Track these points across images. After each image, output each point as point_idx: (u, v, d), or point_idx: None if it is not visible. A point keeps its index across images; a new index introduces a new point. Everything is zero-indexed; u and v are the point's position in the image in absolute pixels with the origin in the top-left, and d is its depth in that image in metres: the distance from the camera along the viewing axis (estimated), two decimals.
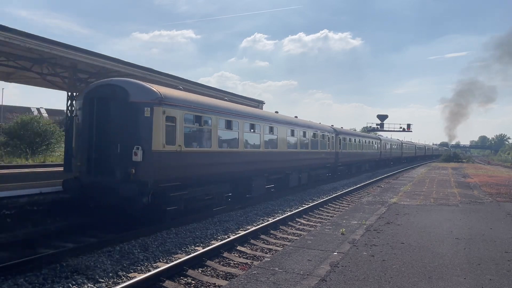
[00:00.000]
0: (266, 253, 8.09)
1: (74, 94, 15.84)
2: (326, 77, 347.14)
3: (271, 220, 10.79)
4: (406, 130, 73.39)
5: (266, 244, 8.81)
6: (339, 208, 13.94)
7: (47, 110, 55.15)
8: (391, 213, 10.21)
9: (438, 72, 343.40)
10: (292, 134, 17.43)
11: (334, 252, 6.41)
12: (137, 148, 8.91)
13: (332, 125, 25.24)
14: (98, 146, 9.40)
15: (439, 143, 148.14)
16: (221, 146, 11.94)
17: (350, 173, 27.96)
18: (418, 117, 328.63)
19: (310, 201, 15.23)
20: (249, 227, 10.29)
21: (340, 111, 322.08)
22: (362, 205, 12.01)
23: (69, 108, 15.83)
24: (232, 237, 8.66)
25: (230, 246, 8.14)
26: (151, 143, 9.05)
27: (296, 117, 19.62)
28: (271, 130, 15.30)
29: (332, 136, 23.48)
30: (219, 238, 9.07)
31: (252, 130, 13.89)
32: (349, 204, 14.60)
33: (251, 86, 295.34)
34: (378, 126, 74.16)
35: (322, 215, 12.67)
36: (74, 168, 10.01)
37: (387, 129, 73.80)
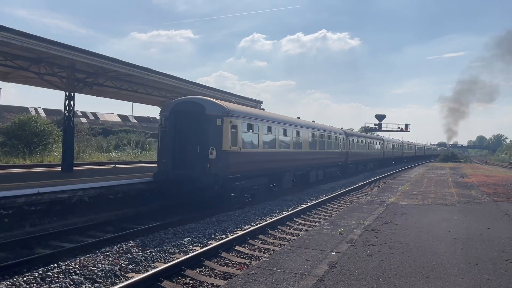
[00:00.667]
0: (264, 253, 8.08)
1: (72, 94, 15.81)
2: (325, 77, 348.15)
3: (269, 220, 10.79)
4: (404, 130, 73.54)
5: (264, 244, 8.81)
6: (337, 208, 13.95)
7: (45, 110, 55.06)
8: (389, 213, 10.23)
9: (436, 72, 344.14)
10: (313, 136, 20.20)
11: (332, 252, 6.41)
12: (212, 149, 11.97)
13: (342, 128, 28.08)
14: (181, 147, 12.61)
15: (437, 143, 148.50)
16: (264, 147, 14.78)
17: (357, 171, 30.42)
18: (416, 117, 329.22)
19: (308, 201, 15.23)
20: (247, 227, 10.28)
21: (338, 111, 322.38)
22: (360, 205, 12.02)
23: (67, 107, 15.79)
24: (230, 237, 8.65)
25: (228, 246, 8.14)
26: (222, 145, 12.00)
27: (313, 121, 22.25)
28: (297, 133, 18.03)
29: (343, 138, 26.05)
30: (217, 238, 9.06)
31: (284, 134, 16.57)
32: (347, 204, 14.61)
33: (250, 86, 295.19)
34: (376, 126, 74.27)
35: (320, 215, 12.67)
36: (160, 164, 12.96)
37: (385, 129, 73.94)
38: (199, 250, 7.54)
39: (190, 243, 8.46)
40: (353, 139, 28.51)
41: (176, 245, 8.19)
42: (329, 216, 11.85)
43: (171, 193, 12.41)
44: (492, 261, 5.91)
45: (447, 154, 62.53)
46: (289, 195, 16.33)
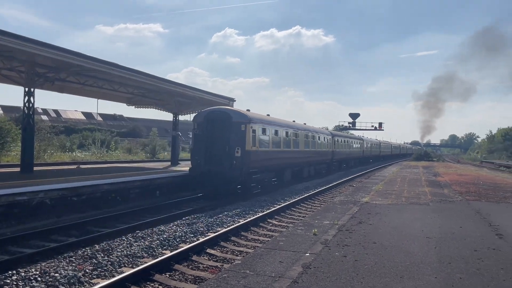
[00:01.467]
0: (237, 255, 8.08)
1: (32, 89, 15.29)
2: (299, 75, 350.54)
3: (242, 222, 10.78)
4: (377, 128, 75.16)
5: (236, 246, 8.80)
6: (311, 208, 14.09)
7: (3, 107, 53.15)
8: (363, 212, 10.41)
9: (409, 70, 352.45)
10: (306, 138, 23.48)
11: (306, 253, 6.47)
12: (238, 149, 15.22)
13: (327, 128, 36.01)
14: (211, 148, 15.68)
15: (410, 141, 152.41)
16: (273, 147, 18.16)
17: (341, 168, 34.25)
18: (390, 116, 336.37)
19: (282, 201, 15.31)
20: (219, 229, 10.23)
21: (312, 109, 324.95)
22: (334, 204, 12.18)
23: (26, 104, 15.26)
24: (201, 240, 8.60)
25: (199, 249, 8.08)
26: (245, 146, 15.37)
27: (304, 123, 25.22)
28: (296, 135, 21.44)
29: (330, 138, 29.68)
30: (188, 241, 8.99)
31: (286, 136, 20.04)
32: (321, 204, 14.78)
33: (222, 82, 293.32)
34: (350, 125, 75.49)
35: (294, 215, 12.77)
36: (193, 161, 16.09)
37: (359, 127, 75.26)
38: (168, 254, 7.46)
39: (159, 247, 8.35)
40: (337, 139, 32.08)
41: (145, 249, 8.06)
42: (303, 217, 11.96)
43: (204, 184, 15.62)
44: (464, 260, 6.11)
45: (420, 153, 64.30)
46: (264, 196, 16.38)
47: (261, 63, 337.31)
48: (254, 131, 16.16)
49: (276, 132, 18.70)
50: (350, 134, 57.71)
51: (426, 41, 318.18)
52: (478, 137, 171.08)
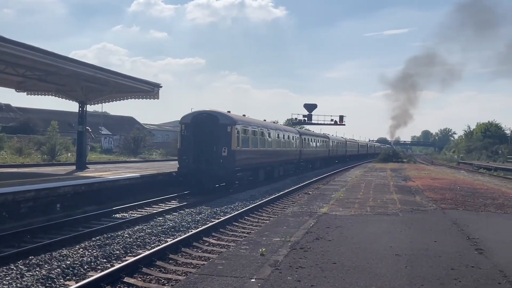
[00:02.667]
0: (164, 284, 7.98)
1: None
2: (243, 56, 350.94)
3: (170, 241, 10.67)
4: (338, 123, 76.98)
5: (163, 273, 8.69)
6: (257, 222, 14.21)
7: None
8: (321, 226, 10.64)
9: (375, 52, 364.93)
10: (277, 137, 29.38)
11: (252, 278, 6.50)
12: (225, 148, 20.27)
13: (300, 127, 41.61)
14: (199, 148, 20.38)
15: (376, 139, 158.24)
16: (252, 147, 23.88)
17: (307, 168, 39.89)
18: (353, 107, 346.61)
19: (222, 214, 15.33)
20: (140, 251, 10.06)
21: (260, 98, 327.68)
22: (286, 217, 12.36)
23: None
24: (116, 266, 8.43)
25: (114, 278, 7.90)
26: (231, 145, 20.52)
27: (276, 122, 33.77)
28: (269, 134, 27.31)
29: (297, 137, 35.44)
30: (100, 267, 8.76)
31: (262, 135, 25.77)
32: (270, 217, 14.95)
33: (144, 63, 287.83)
34: (306, 118, 76.85)
35: (236, 231, 12.82)
36: (181, 160, 20.94)
37: (315, 121, 76.81)
38: (72, 286, 7.24)
39: (60, 276, 8.07)
40: (305, 138, 37.99)
41: (41, 280, 7.77)
42: (247, 233, 12.02)
43: (192, 181, 20.17)
44: (439, 281, 6.41)
45: (388, 152, 66.83)
46: (196, 207, 16.30)
47: (195, 40, 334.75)
48: (238, 131, 21.38)
49: (254, 132, 24.28)
50: (306, 129, 59.34)
51: (395, 17, 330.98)
52: (454, 133, 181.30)
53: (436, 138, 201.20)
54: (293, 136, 33.87)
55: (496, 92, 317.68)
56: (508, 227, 11.22)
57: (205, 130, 20.68)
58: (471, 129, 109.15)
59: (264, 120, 28.56)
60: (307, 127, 72.69)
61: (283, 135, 30.88)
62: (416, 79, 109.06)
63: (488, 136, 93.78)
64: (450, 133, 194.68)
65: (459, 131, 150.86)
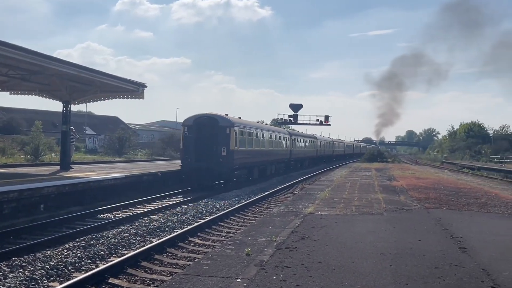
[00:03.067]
0: (149, 285, 7.95)
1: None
2: (228, 56, 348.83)
3: (155, 241, 10.64)
4: (323, 123, 77.31)
5: (149, 273, 8.66)
6: (243, 222, 14.22)
7: None
8: (306, 226, 10.67)
9: (360, 52, 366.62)
10: (270, 137, 31.60)
11: (238, 278, 6.50)
12: (224, 148, 22.17)
13: (285, 127, 44.22)
14: (200, 147, 22.30)
15: (361, 138, 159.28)
16: (248, 147, 25.87)
17: (297, 167, 42.26)
18: (338, 107, 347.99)
19: (207, 214, 15.32)
20: (125, 252, 10.01)
21: (245, 98, 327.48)
22: (272, 217, 12.38)
23: None
24: (101, 267, 8.38)
25: (99, 279, 7.85)
26: (230, 146, 22.39)
27: (262, 122, 37.64)
28: (262, 135, 29.50)
29: (288, 137, 37.63)
30: (84, 268, 8.69)
31: (256, 136, 27.86)
32: (256, 217, 14.96)
33: (129, 63, 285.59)
34: (291, 118, 77.04)
35: (222, 231, 12.81)
36: (184, 159, 22.94)
37: (301, 121, 77.05)
38: (58, 287, 7.18)
39: (44, 278, 8.00)
40: (294, 138, 40.46)
41: (24, 282, 7.69)
42: (233, 233, 12.02)
43: (194, 178, 22.22)
44: (423, 280, 6.47)
45: (373, 152, 67.27)
46: (183, 206, 16.26)
47: (181, 40, 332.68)
48: (236, 133, 23.33)
49: (249, 134, 26.44)
50: (292, 129, 59.88)
51: (380, 18, 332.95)
52: (438, 133, 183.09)
53: (420, 138, 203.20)
54: (284, 137, 36.03)
55: (479, 93, 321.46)
56: (490, 226, 11.36)
57: (206, 131, 22.79)
58: (455, 129, 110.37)
59: (258, 122, 31.50)
60: (293, 127, 72.92)
61: (275, 136, 33.15)
62: (402, 79, 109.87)
63: (471, 136, 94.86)
64: (434, 133, 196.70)
65: (443, 131, 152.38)
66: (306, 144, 46.86)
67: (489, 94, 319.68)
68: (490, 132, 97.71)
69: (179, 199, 18.84)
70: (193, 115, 23.70)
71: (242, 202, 17.84)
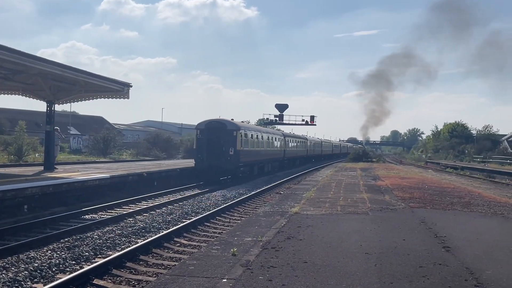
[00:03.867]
0: (134, 286, 7.91)
1: None
2: (214, 56, 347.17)
3: (140, 242, 10.59)
4: (309, 123, 77.67)
5: (134, 274, 8.61)
6: (229, 222, 14.21)
7: None
8: (292, 225, 10.70)
9: (346, 53, 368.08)
10: (268, 139, 35.64)
11: (223, 278, 6.49)
12: (232, 148, 26.16)
13: (272, 128, 49.74)
14: (211, 148, 26.18)
15: (347, 138, 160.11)
16: (250, 147, 29.73)
17: (290, 165, 46.22)
18: (324, 108, 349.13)
19: (193, 214, 15.28)
20: (110, 252, 9.95)
21: (231, 98, 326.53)
22: (258, 217, 12.39)
23: None
24: (86, 268, 8.32)
25: (83, 280, 7.80)
26: (236, 146, 26.38)
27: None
28: (262, 137, 33.53)
29: (282, 138, 41.72)
30: (68, 269, 8.62)
31: (257, 138, 31.90)
32: (242, 217, 14.96)
33: (114, 62, 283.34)
34: (277, 119, 77.26)
35: (208, 231, 12.80)
36: (197, 158, 26.52)
37: (287, 121, 77.32)
38: None
39: (28, 279, 7.92)
40: (288, 139, 44.81)
41: (7, 283, 7.61)
42: (219, 233, 12.02)
43: (207, 174, 26.03)
44: (408, 279, 6.52)
45: (358, 152, 67.61)
46: (167, 206, 16.21)
47: (167, 40, 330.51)
48: (241, 135, 27.34)
49: (251, 136, 30.37)
50: (277, 129, 60.68)
51: (365, 19, 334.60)
52: (422, 133, 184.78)
53: (405, 138, 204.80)
54: (278, 138, 40.24)
55: (462, 93, 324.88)
56: (474, 225, 11.49)
57: (216, 134, 26.75)
58: (439, 129, 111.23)
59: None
60: (279, 127, 73.11)
61: (272, 137, 37.45)
62: (391, 77, 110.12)
63: (455, 136, 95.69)
64: (418, 133, 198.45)
65: (427, 131, 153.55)
66: (298, 144, 50.74)
67: (473, 95, 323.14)
68: (474, 132, 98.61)
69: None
70: (204, 120, 27.83)
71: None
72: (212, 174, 26.15)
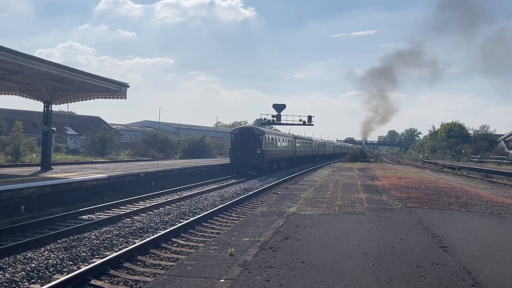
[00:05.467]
0: (132, 286, 7.91)
1: None
2: (212, 56, 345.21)
3: (138, 242, 10.57)
4: (306, 123, 77.58)
5: (131, 274, 8.60)
6: (226, 223, 14.20)
7: None
8: (289, 225, 10.70)
9: (343, 53, 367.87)
10: (283, 141, 44.14)
11: (221, 279, 6.49)
12: (258, 148, 34.90)
13: (265, 126, 56.50)
14: (242, 148, 34.64)
15: (344, 138, 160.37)
16: (272, 147, 38.51)
17: (299, 163, 54.25)
18: (321, 108, 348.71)
19: (191, 214, 15.27)
20: (107, 253, 9.93)
21: (229, 99, 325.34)
22: (255, 217, 12.39)
23: None
24: (83, 269, 8.30)
25: (80, 281, 7.79)
26: (262, 147, 35.09)
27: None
28: (278, 139, 41.54)
29: (293, 140, 49.61)
30: (66, 270, 8.61)
31: (277, 140, 41.13)
32: (239, 217, 14.96)
33: (112, 62, 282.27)
34: (275, 119, 77.16)
35: (205, 232, 12.79)
36: (232, 156, 35.00)
37: (284, 121, 77.18)
38: None
39: (25, 280, 7.91)
40: (297, 141, 52.58)
41: (4, 284, 7.60)
42: (217, 234, 12.01)
43: (240, 168, 33.64)
44: (405, 279, 6.53)
45: (356, 152, 67.65)
46: (165, 206, 16.19)
47: (165, 40, 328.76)
48: (265, 138, 35.47)
49: (272, 139, 38.78)
50: (275, 129, 61.67)
51: (362, 19, 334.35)
52: (419, 133, 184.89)
53: (402, 138, 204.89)
54: (290, 140, 48.39)
55: (459, 93, 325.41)
56: (471, 225, 11.51)
57: (246, 138, 35.04)
58: (436, 129, 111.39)
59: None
60: (276, 127, 73.20)
61: (285, 139, 46.07)
62: (395, 75, 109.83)
63: (452, 136, 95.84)
64: (415, 133, 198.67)
65: (424, 131, 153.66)
66: (305, 145, 59.16)
67: (470, 95, 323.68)
68: (471, 132, 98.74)
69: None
70: (237, 127, 41.54)
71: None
72: (243, 168, 34.32)
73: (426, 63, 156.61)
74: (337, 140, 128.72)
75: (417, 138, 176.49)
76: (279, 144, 42.08)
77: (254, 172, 35.69)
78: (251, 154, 34.28)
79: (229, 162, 35.20)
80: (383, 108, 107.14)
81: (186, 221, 13.42)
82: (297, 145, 51.90)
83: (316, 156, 68.96)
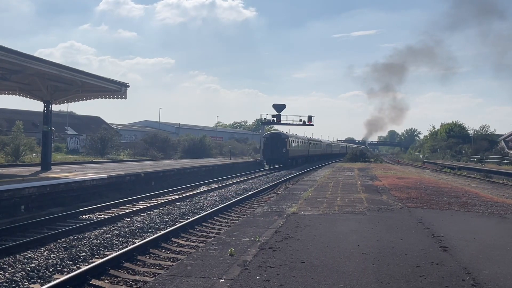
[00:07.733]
0: (132, 286, 7.91)
1: None
2: (212, 56, 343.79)
3: (138, 242, 10.58)
4: (306, 123, 77.45)
5: (131, 274, 8.61)
6: (226, 223, 14.20)
7: None
8: (289, 225, 10.70)
9: (343, 53, 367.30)
10: (301, 142, 59.37)
11: (221, 279, 6.49)
12: (284, 149, 48.65)
13: (246, 121, 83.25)
14: (273, 148, 48.08)
15: (344, 138, 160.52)
16: (294, 147, 53.49)
17: (311, 161, 65.02)
18: (321, 108, 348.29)
19: (191, 214, 15.27)
20: (107, 252, 9.94)
21: (229, 99, 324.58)
22: (255, 217, 12.38)
23: None
24: (83, 268, 8.30)
25: (80, 281, 7.79)
26: (287, 147, 49.14)
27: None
28: (297, 141, 57.22)
29: (307, 141, 62.50)
30: (66, 270, 8.61)
31: (298, 142, 57.23)
32: (239, 217, 14.96)
33: (112, 62, 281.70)
34: (275, 119, 77.09)
35: (205, 232, 12.79)
36: (264, 153, 49.39)
37: (284, 121, 77.07)
38: None
39: (25, 279, 7.92)
40: (310, 142, 65.10)
41: (5, 284, 7.60)
42: (217, 233, 12.02)
43: (270, 163, 48.39)
44: (405, 279, 6.53)
45: (356, 152, 67.65)
46: (165, 206, 16.19)
47: (165, 40, 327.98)
48: (290, 141, 49.14)
49: (294, 141, 51.80)
50: (275, 129, 63.45)
51: (363, 19, 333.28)
52: (420, 133, 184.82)
53: (402, 138, 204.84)
54: (305, 142, 61.67)
55: (460, 93, 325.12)
56: (471, 225, 11.50)
57: (275, 140, 47.54)
58: (436, 129, 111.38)
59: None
60: (276, 127, 73.25)
61: (302, 141, 59.09)
62: (404, 72, 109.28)
63: (452, 136, 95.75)
64: (415, 133, 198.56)
65: (424, 131, 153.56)
66: (316, 146, 71.94)
67: (470, 95, 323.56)
68: (471, 132, 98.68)
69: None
70: (268, 132, 52.93)
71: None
72: (273, 163, 47.51)
73: (440, 60, 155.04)
74: (337, 140, 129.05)
75: (417, 138, 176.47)
76: (298, 145, 55.48)
77: (281, 165, 47.93)
78: (279, 153, 46.50)
79: (259, 159, 50.16)
80: (392, 107, 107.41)
81: (186, 221, 13.43)
82: (310, 145, 64.68)
83: (324, 155, 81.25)
